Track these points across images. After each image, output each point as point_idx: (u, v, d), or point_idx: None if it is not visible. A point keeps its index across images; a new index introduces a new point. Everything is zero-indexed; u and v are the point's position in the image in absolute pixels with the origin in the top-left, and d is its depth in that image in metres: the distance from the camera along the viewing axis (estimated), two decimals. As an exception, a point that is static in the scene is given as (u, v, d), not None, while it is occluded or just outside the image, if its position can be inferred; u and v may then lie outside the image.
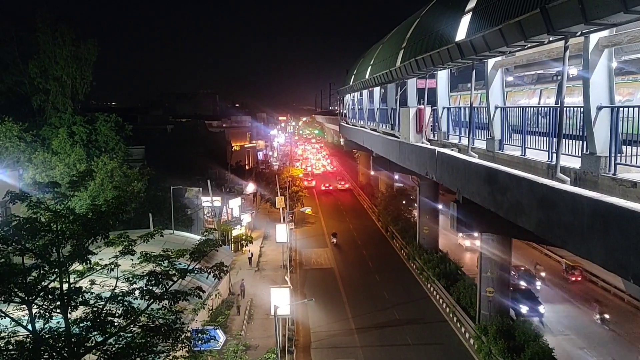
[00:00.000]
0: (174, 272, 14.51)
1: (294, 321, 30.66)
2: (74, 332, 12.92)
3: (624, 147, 11.48)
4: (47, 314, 12.54)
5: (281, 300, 25.07)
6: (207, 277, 17.19)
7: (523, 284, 34.16)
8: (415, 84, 30.20)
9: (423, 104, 26.90)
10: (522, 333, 25.19)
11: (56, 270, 12.88)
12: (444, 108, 25.11)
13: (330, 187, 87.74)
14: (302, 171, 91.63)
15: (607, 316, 29.96)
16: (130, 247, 14.20)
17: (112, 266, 13.67)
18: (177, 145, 53.38)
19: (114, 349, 13.20)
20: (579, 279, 37.02)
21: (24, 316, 12.77)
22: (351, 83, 54.11)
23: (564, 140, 13.14)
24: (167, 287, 14.14)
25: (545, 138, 14.85)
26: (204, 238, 16.61)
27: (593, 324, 30.08)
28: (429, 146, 25.05)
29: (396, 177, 59.93)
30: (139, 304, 13.92)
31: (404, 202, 57.36)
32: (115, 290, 13.65)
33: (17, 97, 42.89)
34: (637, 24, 10.76)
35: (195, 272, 15.30)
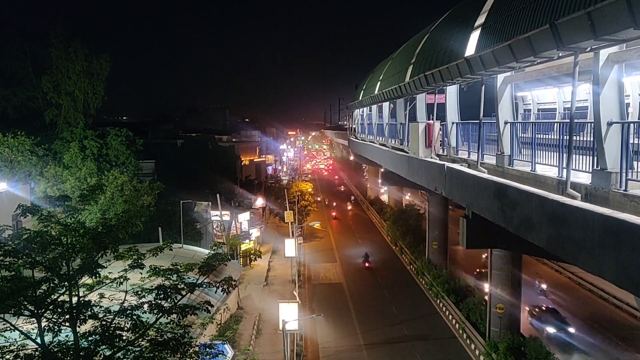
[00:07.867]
0: (182, 286, 14.50)
1: (303, 336, 30.44)
2: (82, 345, 12.92)
3: (635, 163, 11.42)
4: (56, 327, 12.53)
5: (290, 315, 24.98)
6: (215, 292, 17.13)
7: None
8: (424, 99, 30.24)
9: (432, 119, 26.92)
10: (533, 350, 24.83)
11: (66, 283, 12.93)
12: (453, 123, 25.09)
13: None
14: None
15: None
16: (139, 261, 14.24)
17: (122, 280, 13.69)
18: (187, 160, 53.55)
19: (122, 363, 13.18)
20: None
21: (33, 329, 12.78)
22: (360, 98, 54.30)
23: (574, 155, 13.10)
24: (176, 301, 14.13)
25: (555, 153, 14.80)
26: (212, 252, 16.61)
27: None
28: (438, 161, 24.99)
29: (405, 192, 59.69)
30: (148, 318, 13.91)
31: (412, 217, 57.10)
32: (124, 304, 13.66)
33: (30, 112, 43.54)
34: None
35: (204, 286, 15.31)
